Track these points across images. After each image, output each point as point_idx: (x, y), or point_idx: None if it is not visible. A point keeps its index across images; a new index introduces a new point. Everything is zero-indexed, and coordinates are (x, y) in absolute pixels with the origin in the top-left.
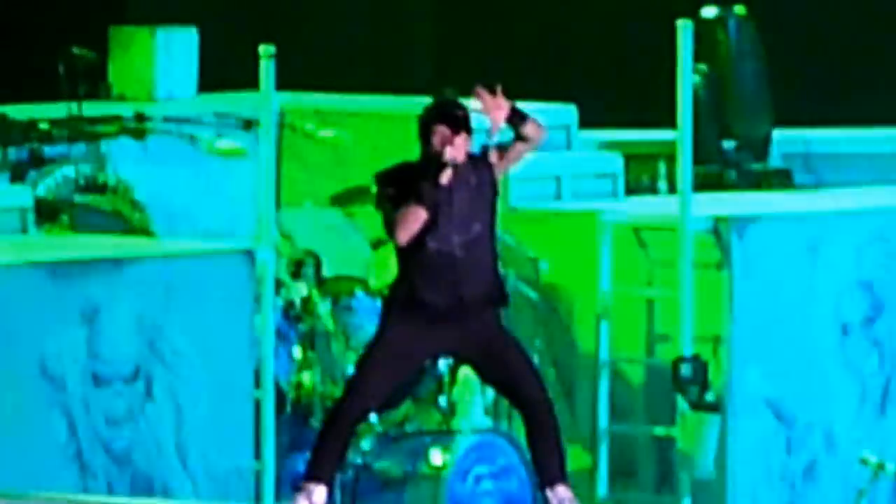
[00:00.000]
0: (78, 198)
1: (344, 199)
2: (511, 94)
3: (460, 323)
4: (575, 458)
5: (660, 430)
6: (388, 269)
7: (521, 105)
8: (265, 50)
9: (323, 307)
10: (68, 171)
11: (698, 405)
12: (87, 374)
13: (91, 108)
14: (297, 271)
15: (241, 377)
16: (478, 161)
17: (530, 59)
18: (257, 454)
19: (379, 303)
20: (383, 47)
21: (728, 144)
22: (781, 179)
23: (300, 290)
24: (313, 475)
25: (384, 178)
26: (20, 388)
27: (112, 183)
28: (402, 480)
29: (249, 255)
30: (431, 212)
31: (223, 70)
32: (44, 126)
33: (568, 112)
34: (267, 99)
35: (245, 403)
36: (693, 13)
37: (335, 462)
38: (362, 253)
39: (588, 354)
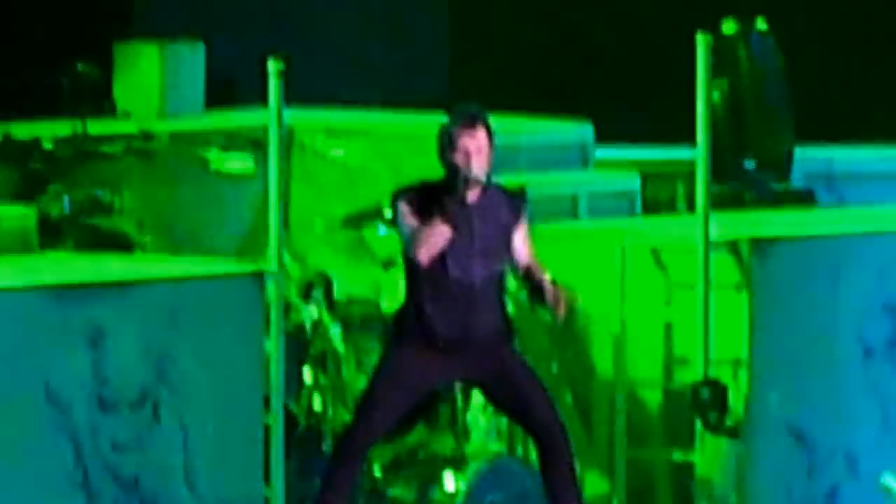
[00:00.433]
0: (83, 219)
1: (355, 221)
2: (527, 111)
3: (469, 351)
4: (592, 483)
5: (678, 456)
6: (399, 292)
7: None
8: (274, 65)
9: (334, 330)
10: (73, 191)
11: (718, 430)
12: (93, 399)
13: (96, 126)
14: (307, 293)
15: (250, 402)
16: (512, 204)
17: (546, 76)
18: (267, 480)
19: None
20: (396, 62)
21: (748, 163)
22: (803, 199)
23: (310, 312)
24: (324, 503)
25: (404, 195)
26: (25, 413)
27: (118, 204)
28: None
29: (258, 277)
30: (454, 231)
31: (231, 86)
32: (48, 145)
33: (584, 129)
34: (276, 116)
35: (254, 428)
36: (712, 28)
37: (346, 490)
38: (374, 275)
39: (605, 378)
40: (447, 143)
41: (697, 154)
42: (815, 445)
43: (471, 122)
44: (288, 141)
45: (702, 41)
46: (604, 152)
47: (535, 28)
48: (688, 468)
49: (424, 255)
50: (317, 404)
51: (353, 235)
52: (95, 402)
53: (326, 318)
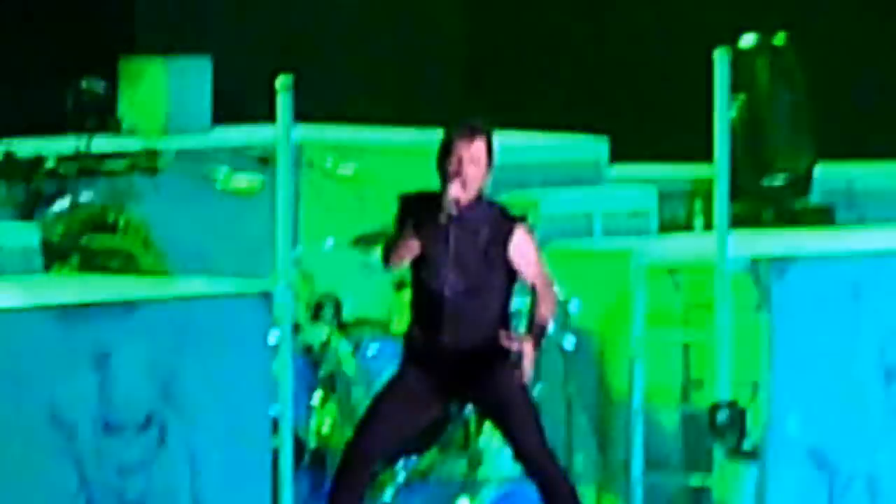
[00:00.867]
0: (87, 238)
1: (366, 242)
2: (541, 126)
3: (461, 370)
4: None
5: (696, 480)
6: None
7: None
8: (282, 81)
9: (343, 351)
10: (77, 210)
11: (736, 453)
12: (98, 421)
13: (101, 143)
14: (316, 314)
15: (258, 424)
16: (499, 223)
17: (561, 91)
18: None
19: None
20: (408, 78)
21: (767, 180)
22: (823, 217)
23: (319, 333)
24: None
25: (403, 201)
26: (29, 436)
27: (123, 222)
28: None
29: (266, 297)
30: (424, 246)
31: (238, 102)
32: (51, 163)
33: (598, 145)
34: (284, 133)
35: (262, 451)
36: (731, 42)
37: None
38: (384, 295)
39: (621, 400)
40: (443, 151)
41: (716, 171)
42: (836, 469)
43: (469, 132)
44: (296, 158)
45: (721, 56)
46: (620, 169)
47: (549, 44)
48: (705, 492)
49: (390, 260)
50: (325, 426)
51: (364, 255)
52: (100, 425)
53: (335, 338)
